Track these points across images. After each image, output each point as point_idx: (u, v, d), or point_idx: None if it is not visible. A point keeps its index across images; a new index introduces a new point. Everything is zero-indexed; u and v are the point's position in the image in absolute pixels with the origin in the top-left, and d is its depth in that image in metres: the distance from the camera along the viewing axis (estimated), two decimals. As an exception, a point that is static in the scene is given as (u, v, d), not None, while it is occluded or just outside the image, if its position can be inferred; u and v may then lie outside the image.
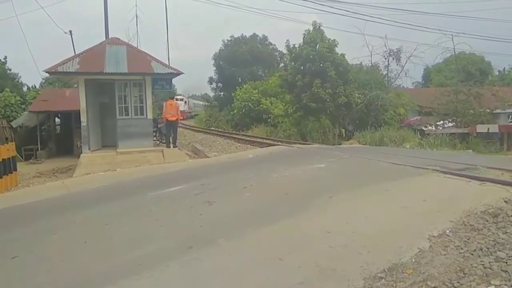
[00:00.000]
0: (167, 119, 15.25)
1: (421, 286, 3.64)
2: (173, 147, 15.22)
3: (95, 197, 8.04)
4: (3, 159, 10.96)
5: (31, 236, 5.87)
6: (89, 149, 14.36)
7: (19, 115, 23.54)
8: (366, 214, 5.43)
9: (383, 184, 6.79)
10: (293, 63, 23.33)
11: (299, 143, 17.05)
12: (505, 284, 3.42)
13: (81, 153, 14.26)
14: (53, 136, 21.18)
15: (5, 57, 35.33)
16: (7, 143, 13.26)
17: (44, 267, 4.77)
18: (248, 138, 21.44)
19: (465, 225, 4.69)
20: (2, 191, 10.23)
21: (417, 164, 8.15)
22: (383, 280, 3.84)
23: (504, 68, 51.44)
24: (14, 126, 20.66)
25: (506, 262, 3.75)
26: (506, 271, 3.60)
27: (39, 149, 19.03)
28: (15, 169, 11.85)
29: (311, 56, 22.08)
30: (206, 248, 4.76)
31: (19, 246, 5.43)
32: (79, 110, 14.33)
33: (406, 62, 25.86)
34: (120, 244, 5.24)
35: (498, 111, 23.90)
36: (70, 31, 27.90)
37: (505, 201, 5.22)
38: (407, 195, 6.15)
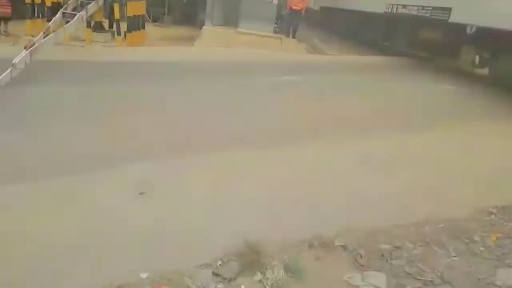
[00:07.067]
0: (290, 8, 14.72)
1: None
2: (292, 37, 14.86)
3: (214, 69, 8.30)
4: (134, 15, 11.50)
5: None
6: (211, 23, 14.58)
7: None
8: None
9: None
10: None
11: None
12: None
13: (204, 25, 14.55)
14: (180, 4, 21.70)
15: None
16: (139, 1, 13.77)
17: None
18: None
19: None
20: (131, 45, 10.91)
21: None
22: (492, 216, 3.64)
23: None
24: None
25: None
26: None
27: (166, 14, 19.73)
28: (143, 28, 12.45)
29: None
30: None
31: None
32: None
33: None
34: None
35: None
36: None
37: None
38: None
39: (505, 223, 3.52)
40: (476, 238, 3.29)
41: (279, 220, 3.36)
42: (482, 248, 3.17)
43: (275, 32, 15.29)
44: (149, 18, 17.38)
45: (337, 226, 3.30)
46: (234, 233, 3.06)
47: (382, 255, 3.04)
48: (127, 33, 10.91)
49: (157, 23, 18.69)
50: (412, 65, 10.70)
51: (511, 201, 3.82)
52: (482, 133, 5.51)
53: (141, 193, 3.54)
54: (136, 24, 11.60)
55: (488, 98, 7.23)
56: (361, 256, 3.01)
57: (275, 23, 15.90)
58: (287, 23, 15.47)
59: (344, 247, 3.10)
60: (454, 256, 3.08)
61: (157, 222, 3.21)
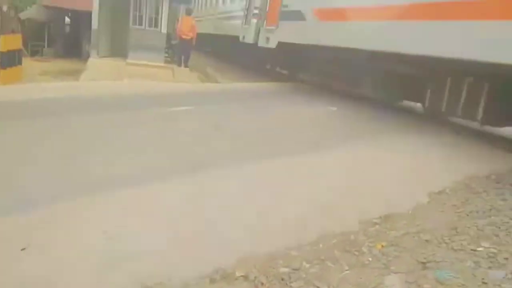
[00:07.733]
0: (180, 37, 14.76)
1: (413, 237, 3.73)
2: (184, 67, 14.86)
3: (99, 104, 7.97)
4: (8, 50, 10.60)
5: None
6: (97, 54, 14.08)
7: (28, 7, 22.58)
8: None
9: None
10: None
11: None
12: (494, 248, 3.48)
13: (89, 57, 14.00)
14: (61, 36, 20.52)
15: None
16: (14, 34, 12.77)
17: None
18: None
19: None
20: (5, 83, 9.98)
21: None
22: (377, 226, 3.95)
23: None
24: (22, 18, 19.91)
25: (499, 227, 3.80)
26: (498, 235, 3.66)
27: (46, 47, 18.49)
28: (20, 63, 11.53)
29: None
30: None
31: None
32: (91, 11, 13.84)
33: None
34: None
35: None
36: None
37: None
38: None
39: (388, 232, 3.83)
40: (364, 250, 3.53)
41: (173, 258, 3.27)
42: (370, 258, 3.41)
43: (166, 61, 15.22)
44: (27, 52, 16.21)
45: (236, 255, 3.31)
46: (129, 277, 2.92)
47: (282, 279, 3.12)
48: (1, 70, 10.07)
49: (37, 56, 17.46)
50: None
51: (391, 210, 4.19)
52: (360, 149, 6.03)
53: (22, 249, 3.22)
54: (11, 59, 10.75)
55: (363, 117, 7.99)
56: (262, 284, 3.06)
57: (166, 52, 15.84)
58: (178, 52, 15.52)
59: (245, 277, 3.12)
60: (347, 270, 3.26)
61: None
